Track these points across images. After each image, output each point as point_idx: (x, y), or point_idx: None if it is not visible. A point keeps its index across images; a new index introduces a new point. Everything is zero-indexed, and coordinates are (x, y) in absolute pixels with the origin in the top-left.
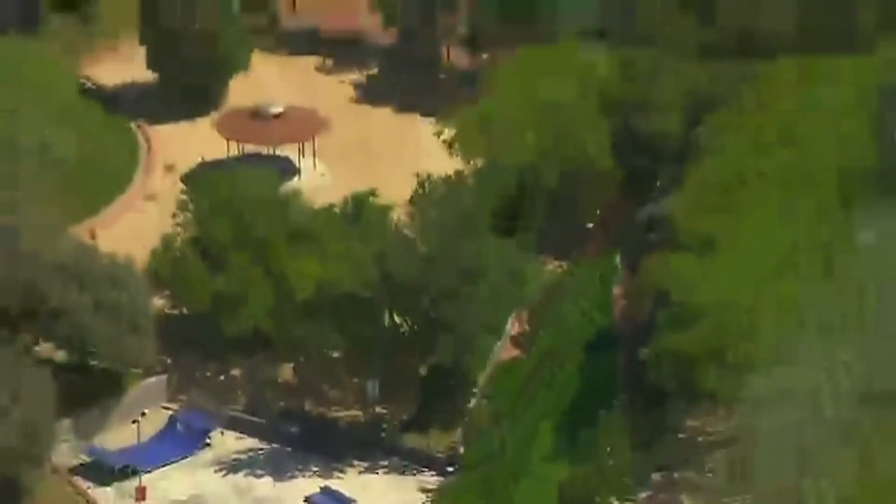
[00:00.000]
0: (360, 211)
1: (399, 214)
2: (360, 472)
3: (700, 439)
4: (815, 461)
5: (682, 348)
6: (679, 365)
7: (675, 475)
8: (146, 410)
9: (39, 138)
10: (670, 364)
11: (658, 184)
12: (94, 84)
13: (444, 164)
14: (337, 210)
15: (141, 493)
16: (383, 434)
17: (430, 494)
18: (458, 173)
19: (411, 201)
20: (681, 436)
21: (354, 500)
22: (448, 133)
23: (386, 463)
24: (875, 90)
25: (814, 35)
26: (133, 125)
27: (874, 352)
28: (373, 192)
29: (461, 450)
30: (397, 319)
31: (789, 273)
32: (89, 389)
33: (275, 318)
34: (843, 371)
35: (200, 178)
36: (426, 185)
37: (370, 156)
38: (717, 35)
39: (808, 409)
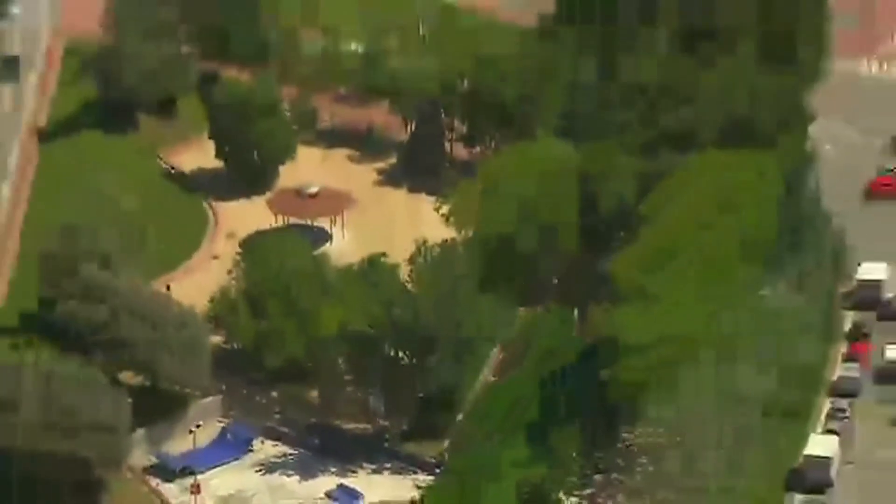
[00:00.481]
0: (374, 269)
1: (405, 272)
2: (368, 473)
3: (633, 448)
4: (722, 463)
5: (621, 378)
6: (619, 390)
7: (612, 476)
8: (201, 423)
9: (126, 213)
10: (614, 389)
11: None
12: (175, 169)
13: (442, 233)
14: (356, 268)
15: (196, 488)
16: (387, 443)
17: (422, 491)
18: (452, 240)
19: (410, 261)
20: (618, 445)
21: (362, 494)
22: (445, 209)
23: (389, 465)
24: (777, 175)
25: (733, 132)
26: (204, 202)
27: (768, 375)
28: (383, 255)
29: (447, 456)
30: (400, 353)
31: (708, 320)
32: (159, 407)
33: (305, 352)
34: (746, 389)
35: (254, 244)
36: (422, 248)
37: (386, 226)
38: (656, 132)
39: (718, 425)
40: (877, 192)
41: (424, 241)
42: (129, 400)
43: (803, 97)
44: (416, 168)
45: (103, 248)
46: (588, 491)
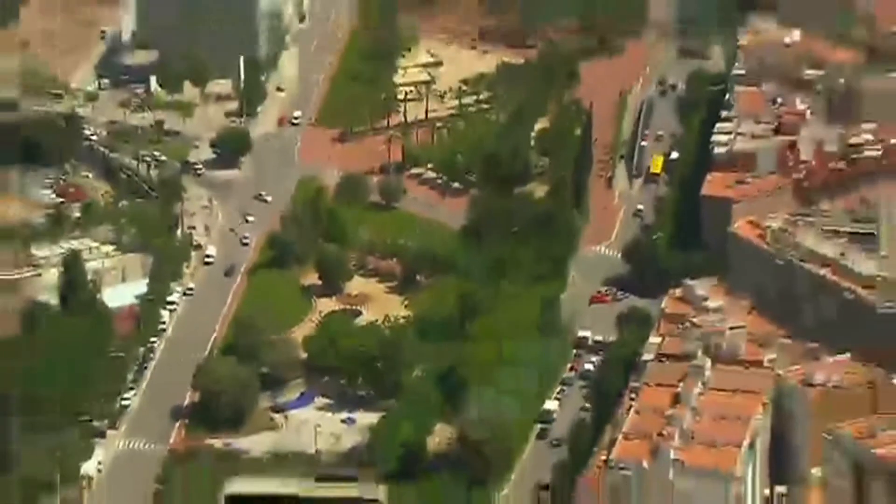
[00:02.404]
0: (372, 325)
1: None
2: (362, 412)
3: (475, 409)
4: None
5: (468, 378)
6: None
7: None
8: (290, 391)
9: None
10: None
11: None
12: (303, 285)
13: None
14: (366, 325)
15: (285, 416)
16: (371, 401)
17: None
18: (407, 315)
19: (383, 322)
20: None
21: (356, 420)
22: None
23: (373, 409)
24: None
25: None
26: (312, 298)
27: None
28: (377, 320)
29: (394, 409)
30: (380, 364)
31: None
32: (274, 383)
33: (339, 362)
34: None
35: (328, 316)
36: (388, 318)
37: (385, 309)
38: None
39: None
40: (595, 301)
41: (388, 315)
42: (260, 380)
43: (565, 261)
44: (403, 288)
45: (259, 318)
46: (450, 430)
